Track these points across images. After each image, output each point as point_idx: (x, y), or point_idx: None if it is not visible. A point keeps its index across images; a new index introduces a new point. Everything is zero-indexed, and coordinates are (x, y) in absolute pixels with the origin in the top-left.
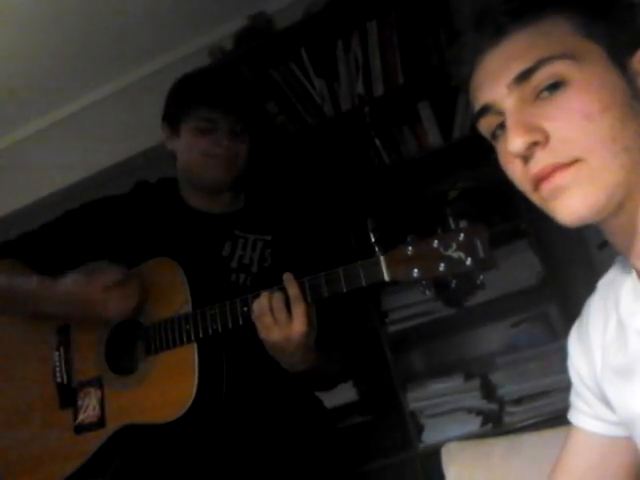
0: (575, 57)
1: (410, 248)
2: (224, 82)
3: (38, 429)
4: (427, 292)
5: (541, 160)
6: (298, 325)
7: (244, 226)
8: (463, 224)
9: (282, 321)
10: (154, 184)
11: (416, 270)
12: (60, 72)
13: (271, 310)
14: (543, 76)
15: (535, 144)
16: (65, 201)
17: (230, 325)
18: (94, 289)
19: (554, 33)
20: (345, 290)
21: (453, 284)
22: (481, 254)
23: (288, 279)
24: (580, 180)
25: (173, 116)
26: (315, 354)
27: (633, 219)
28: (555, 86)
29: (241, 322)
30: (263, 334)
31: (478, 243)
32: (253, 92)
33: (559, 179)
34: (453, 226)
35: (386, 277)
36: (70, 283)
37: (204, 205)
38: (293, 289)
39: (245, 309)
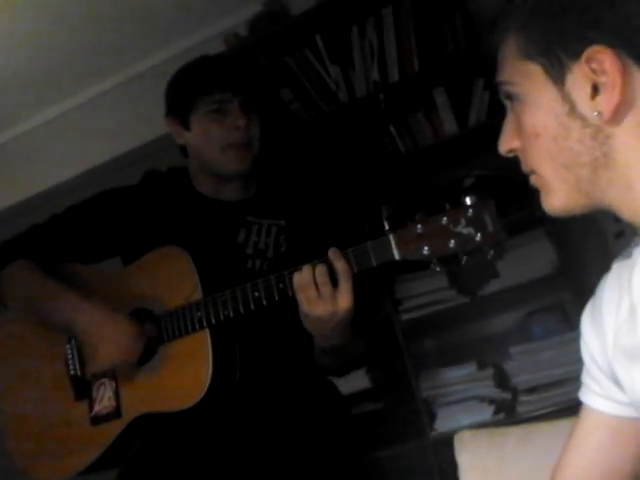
0: (515, 82)
1: (419, 226)
2: (226, 64)
3: (55, 422)
4: (438, 269)
5: (522, 163)
6: (345, 300)
7: (257, 212)
8: (471, 199)
9: (327, 295)
10: (165, 173)
11: (426, 248)
12: (68, 62)
13: (315, 283)
14: (502, 93)
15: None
16: (68, 193)
17: (242, 310)
18: (107, 335)
19: (507, 55)
20: (356, 270)
21: (464, 260)
22: (490, 228)
23: (335, 253)
24: (540, 187)
25: (180, 109)
26: (349, 329)
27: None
28: (512, 100)
29: (252, 307)
30: (306, 308)
31: (487, 217)
32: (258, 72)
33: (531, 181)
34: (462, 202)
35: (396, 256)
36: (88, 313)
37: (216, 193)
38: (342, 263)
39: (256, 294)
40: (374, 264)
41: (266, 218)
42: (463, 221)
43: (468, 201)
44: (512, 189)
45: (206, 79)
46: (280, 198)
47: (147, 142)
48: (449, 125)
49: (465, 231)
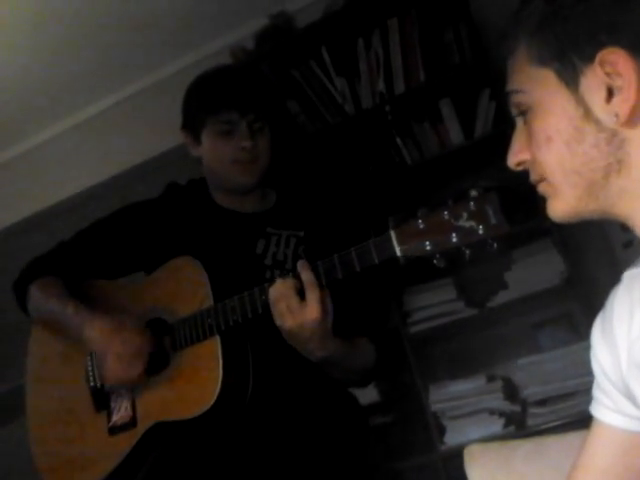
0: (526, 90)
1: (420, 221)
2: (238, 81)
3: (75, 433)
4: (441, 264)
5: (530, 174)
6: (312, 311)
7: (276, 223)
8: (473, 193)
9: (294, 307)
10: (184, 186)
11: (428, 243)
12: (78, 76)
13: (284, 296)
14: (513, 105)
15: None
16: (86, 203)
17: (250, 315)
18: (112, 349)
19: (518, 63)
20: (358, 269)
21: (467, 254)
22: (493, 221)
23: (302, 265)
24: (548, 194)
25: (192, 123)
26: (334, 342)
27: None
28: (523, 113)
29: (260, 311)
30: (277, 321)
31: (489, 210)
32: (270, 85)
33: (539, 190)
34: (463, 196)
35: (398, 252)
36: (97, 329)
37: (235, 204)
38: (307, 274)
39: (264, 297)
40: (376, 261)
41: (285, 229)
42: (465, 215)
43: (470, 195)
44: (518, 200)
45: (215, 98)
46: (299, 209)
47: (155, 156)
48: (455, 135)
49: (467, 224)
